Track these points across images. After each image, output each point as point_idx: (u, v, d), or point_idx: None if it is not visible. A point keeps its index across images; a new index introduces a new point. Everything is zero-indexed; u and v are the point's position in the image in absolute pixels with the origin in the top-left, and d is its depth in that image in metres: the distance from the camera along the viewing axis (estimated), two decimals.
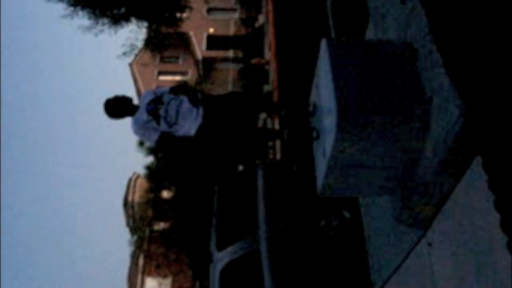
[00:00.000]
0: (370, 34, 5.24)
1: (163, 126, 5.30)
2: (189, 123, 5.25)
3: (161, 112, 5.27)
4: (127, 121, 5.42)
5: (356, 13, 5.90)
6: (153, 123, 5.28)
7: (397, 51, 3.95)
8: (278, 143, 15.63)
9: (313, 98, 4.45)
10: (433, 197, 3.64)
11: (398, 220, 4.15)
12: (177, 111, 5.25)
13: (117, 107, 5.39)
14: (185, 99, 5.33)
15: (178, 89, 5.54)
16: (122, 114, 5.43)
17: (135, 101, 5.50)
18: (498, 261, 2.90)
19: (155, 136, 5.35)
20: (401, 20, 4.19)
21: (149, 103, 5.30)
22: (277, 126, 14.65)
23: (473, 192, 3.19)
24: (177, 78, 36.08)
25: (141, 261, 30.93)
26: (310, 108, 4.23)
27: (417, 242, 4.12)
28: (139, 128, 5.35)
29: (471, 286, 3.26)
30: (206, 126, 5.24)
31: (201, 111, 5.24)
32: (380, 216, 5.14)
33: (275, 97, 16.93)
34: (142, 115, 5.31)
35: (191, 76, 37.87)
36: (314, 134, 4.26)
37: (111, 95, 5.50)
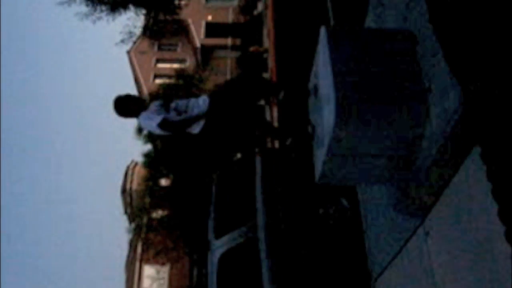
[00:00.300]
0: (369, 22, 5.22)
1: (172, 114, 5.36)
2: (197, 110, 5.36)
3: (172, 104, 5.38)
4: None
5: (355, 0, 5.87)
6: (162, 110, 5.36)
7: (397, 39, 3.94)
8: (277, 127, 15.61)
9: (311, 84, 4.44)
10: (431, 186, 3.65)
11: (396, 208, 4.16)
12: (187, 103, 5.36)
13: (127, 105, 5.41)
14: (204, 97, 5.48)
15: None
16: (132, 112, 5.45)
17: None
18: (496, 250, 2.91)
19: (158, 119, 5.36)
20: (400, 8, 4.17)
21: (159, 105, 5.45)
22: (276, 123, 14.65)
23: (471, 182, 3.20)
24: (175, 66, 35.97)
25: (139, 249, 30.99)
26: (311, 89, 4.22)
27: (415, 231, 4.14)
28: (148, 119, 5.36)
29: (468, 274, 3.28)
30: (212, 115, 5.32)
31: (207, 105, 5.34)
32: (378, 204, 5.15)
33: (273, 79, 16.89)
34: (152, 107, 5.40)
35: (189, 63, 37.75)
36: (310, 129, 4.26)
37: (120, 92, 5.51)
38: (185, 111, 5.37)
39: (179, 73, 28.12)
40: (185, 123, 5.47)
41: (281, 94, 5.25)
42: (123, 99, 5.42)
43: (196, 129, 5.42)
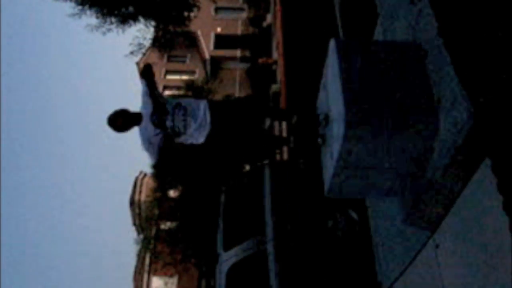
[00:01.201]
0: (378, 34, 5.22)
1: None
2: (197, 132, 5.20)
3: (168, 123, 5.18)
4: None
5: (364, 13, 5.88)
6: (162, 135, 5.22)
7: (406, 52, 3.93)
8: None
9: (321, 99, 4.44)
10: (441, 199, 3.63)
11: (405, 221, 4.13)
12: (184, 121, 5.19)
13: (120, 121, 5.31)
14: (201, 104, 5.28)
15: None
16: (127, 126, 5.36)
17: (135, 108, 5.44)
18: (507, 264, 2.88)
19: (157, 148, 5.31)
20: (409, 21, 4.17)
21: (152, 114, 5.21)
22: (284, 133, 14.63)
23: (481, 194, 3.18)
24: (184, 77, 36.08)
25: (147, 260, 30.96)
26: (321, 117, 4.21)
27: (425, 244, 4.11)
28: (146, 142, 5.27)
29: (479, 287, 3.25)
30: (214, 133, 5.19)
31: (208, 118, 5.19)
32: (387, 217, 5.12)
33: (282, 101, 16.90)
34: (147, 126, 5.23)
35: (198, 75, 37.88)
36: (320, 141, 4.25)
37: (113, 109, 5.42)
38: (184, 133, 5.25)
39: (188, 85, 28.19)
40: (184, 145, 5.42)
41: (294, 119, 5.14)
42: (112, 116, 5.33)
43: (199, 139, 5.32)
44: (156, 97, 5.22)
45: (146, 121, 5.23)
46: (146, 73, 5.25)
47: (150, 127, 5.20)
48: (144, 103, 5.31)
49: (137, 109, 5.35)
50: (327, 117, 4.11)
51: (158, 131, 5.18)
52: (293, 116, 5.16)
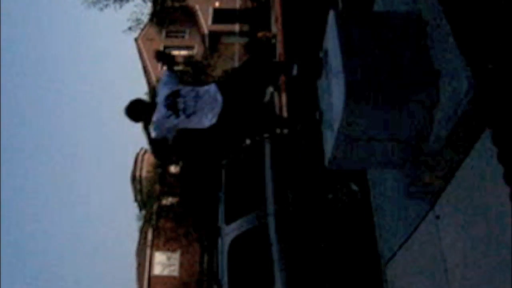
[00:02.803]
0: (378, 4, 5.18)
1: (182, 118, 5.27)
2: (208, 114, 5.23)
3: (180, 105, 5.24)
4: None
5: None
6: (173, 118, 5.25)
7: (406, 23, 3.90)
8: (285, 113, 15.58)
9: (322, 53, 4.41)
10: (441, 170, 3.63)
11: (406, 192, 4.14)
12: (195, 103, 5.23)
13: (137, 110, 5.37)
14: (211, 87, 5.29)
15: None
16: (143, 115, 5.41)
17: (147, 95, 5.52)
18: (507, 234, 2.89)
19: (169, 136, 5.35)
20: None
21: (166, 98, 5.26)
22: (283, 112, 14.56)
23: (482, 165, 3.18)
24: (183, 52, 35.92)
25: (149, 236, 31.15)
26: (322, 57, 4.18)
27: (425, 215, 4.12)
28: (158, 127, 5.31)
29: (480, 258, 3.27)
30: (225, 112, 5.21)
31: (220, 97, 5.21)
32: (388, 188, 5.13)
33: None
34: (161, 110, 5.28)
35: (197, 50, 37.68)
36: (318, 115, 4.24)
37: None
38: (194, 112, 5.28)
39: (188, 60, 28.06)
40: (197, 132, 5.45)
41: (294, 70, 5.09)
42: (130, 106, 5.39)
43: (206, 122, 5.33)
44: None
45: (159, 106, 5.30)
46: (163, 56, 5.39)
47: (163, 110, 5.25)
48: (161, 88, 5.39)
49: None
50: (326, 55, 4.07)
51: (170, 113, 5.23)
52: (292, 67, 5.16)
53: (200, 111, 5.26)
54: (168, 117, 5.28)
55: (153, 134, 5.48)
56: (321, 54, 4.24)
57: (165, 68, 5.41)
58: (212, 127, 5.32)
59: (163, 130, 5.36)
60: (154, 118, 5.36)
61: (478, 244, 3.26)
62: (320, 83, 4.50)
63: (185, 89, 5.37)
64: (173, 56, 5.42)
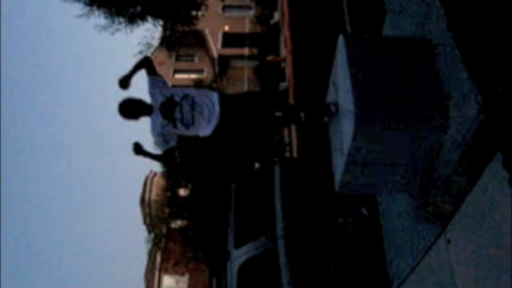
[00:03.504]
0: (387, 29, 5.21)
1: (181, 128, 5.23)
2: (205, 123, 5.18)
3: (176, 115, 5.18)
4: (144, 120, 5.36)
5: (372, 9, 5.86)
6: (170, 126, 5.22)
7: (415, 47, 3.92)
8: (294, 139, 15.59)
9: (330, 94, 4.43)
10: (452, 194, 3.61)
11: (416, 217, 4.12)
12: (192, 112, 5.18)
13: (130, 108, 5.32)
14: (213, 95, 5.23)
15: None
16: (135, 115, 5.36)
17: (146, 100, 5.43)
18: None
19: (172, 143, 5.31)
20: (418, 16, 4.16)
21: (161, 106, 5.22)
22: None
23: (493, 189, 3.16)
24: (193, 76, 36.12)
25: (158, 259, 31.05)
26: (332, 109, 4.20)
27: (436, 239, 4.09)
28: (158, 135, 5.29)
29: (491, 283, 3.24)
30: (222, 125, 5.16)
31: (217, 109, 5.16)
32: (398, 213, 5.11)
33: (291, 98, 16.89)
34: (157, 118, 5.24)
35: (207, 74, 37.89)
36: (333, 109, 4.19)
37: (124, 96, 5.45)
38: (193, 123, 5.25)
39: (197, 83, 28.20)
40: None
41: (302, 116, 5.04)
42: (124, 102, 5.36)
43: (207, 131, 5.27)
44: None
45: (155, 112, 5.25)
46: (143, 63, 5.35)
47: (159, 119, 5.22)
48: (152, 96, 5.33)
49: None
50: (337, 105, 4.08)
51: (166, 122, 5.19)
52: (300, 111, 5.10)
53: (198, 122, 5.21)
54: (165, 126, 5.25)
55: (157, 146, 5.45)
56: (331, 108, 4.25)
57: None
58: (211, 141, 5.30)
59: (163, 139, 5.33)
60: (151, 121, 5.31)
61: (489, 269, 3.23)
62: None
63: (178, 95, 5.29)
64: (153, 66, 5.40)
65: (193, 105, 5.17)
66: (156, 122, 5.25)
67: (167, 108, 5.18)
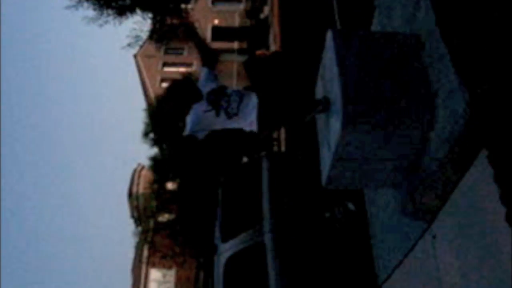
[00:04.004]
0: (375, 26, 5.22)
1: (222, 118, 5.14)
2: (249, 116, 5.08)
3: (223, 102, 5.10)
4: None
5: (361, 4, 5.87)
6: (213, 114, 5.12)
7: (403, 43, 3.93)
8: (283, 134, 15.60)
9: (319, 89, 4.44)
10: (438, 190, 3.64)
11: (402, 212, 4.15)
12: (239, 103, 5.09)
13: (183, 89, 5.23)
14: (253, 97, 5.16)
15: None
16: (186, 97, 5.29)
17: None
18: (503, 254, 2.90)
19: (203, 133, 5.21)
20: (407, 12, 4.17)
21: (210, 93, 5.14)
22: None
23: (478, 185, 3.19)
24: (182, 69, 35.99)
25: (145, 252, 30.97)
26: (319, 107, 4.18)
27: (422, 235, 4.12)
28: (196, 118, 5.16)
29: (476, 278, 3.27)
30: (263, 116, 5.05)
31: (255, 100, 5.05)
32: (385, 208, 5.14)
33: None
34: (202, 104, 5.14)
35: (195, 67, 37.78)
36: (320, 108, 4.18)
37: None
38: (236, 114, 5.15)
39: (186, 77, 28.12)
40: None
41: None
42: (182, 83, 5.28)
43: (247, 127, 5.19)
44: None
45: (203, 99, 5.18)
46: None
47: (204, 104, 5.13)
48: (204, 83, 5.25)
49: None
50: (326, 100, 4.06)
51: (210, 108, 5.10)
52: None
53: (243, 112, 5.11)
54: (207, 111, 5.14)
55: (187, 128, 5.34)
56: (319, 102, 4.23)
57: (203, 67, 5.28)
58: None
59: (196, 125, 5.21)
60: (194, 111, 5.20)
61: (475, 264, 3.26)
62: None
63: (230, 89, 5.23)
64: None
65: (241, 97, 5.09)
66: (198, 107, 5.15)
67: (215, 96, 5.10)
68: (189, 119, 5.16)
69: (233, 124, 5.11)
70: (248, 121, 5.01)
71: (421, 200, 3.82)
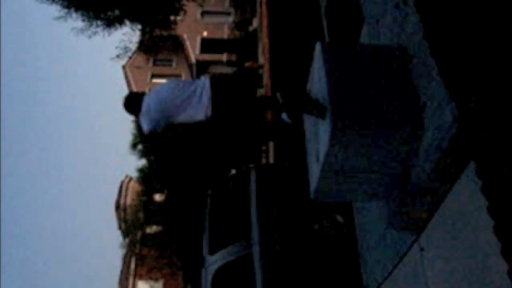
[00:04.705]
0: (364, 38, 5.24)
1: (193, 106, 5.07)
2: (197, 105, 5.00)
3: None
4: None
5: (350, 17, 5.90)
6: (180, 101, 5.04)
7: (392, 56, 3.95)
8: (271, 146, 15.60)
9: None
10: (426, 202, 3.64)
11: (391, 224, 4.14)
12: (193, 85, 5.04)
13: (135, 102, 5.17)
14: (206, 82, 5.07)
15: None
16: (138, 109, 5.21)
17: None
18: (491, 267, 2.89)
19: (162, 124, 5.14)
20: (395, 25, 4.19)
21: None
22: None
23: (466, 198, 3.19)
24: None
25: (132, 264, 30.83)
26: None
27: (410, 247, 4.12)
28: (158, 104, 5.10)
29: None
30: (213, 110, 4.98)
31: (209, 93, 4.98)
32: (373, 220, 5.13)
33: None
34: (168, 89, 5.08)
35: (184, 79, 37.83)
36: (307, 146, 4.22)
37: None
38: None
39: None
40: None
41: (279, 99, 4.87)
42: (133, 96, 5.23)
43: (201, 114, 5.09)
44: None
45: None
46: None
47: (173, 87, 5.07)
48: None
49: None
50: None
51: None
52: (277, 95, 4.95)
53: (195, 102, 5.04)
54: (177, 99, 5.06)
55: (144, 127, 5.28)
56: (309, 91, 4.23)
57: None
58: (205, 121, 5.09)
59: (157, 116, 5.13)
60: (156, 98, 5.13)
61: (463, 277, 3.25)
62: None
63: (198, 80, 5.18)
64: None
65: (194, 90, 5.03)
66: (162, 93, 5.09)
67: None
68: (145, 117, 5.09)
69: (187, 115, 5.03)
70: (204, 107, 4.94)
71: (409, 212, 3.82)
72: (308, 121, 4.38)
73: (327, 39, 7.68)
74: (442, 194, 3.48)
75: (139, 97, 5.17)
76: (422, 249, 3.89)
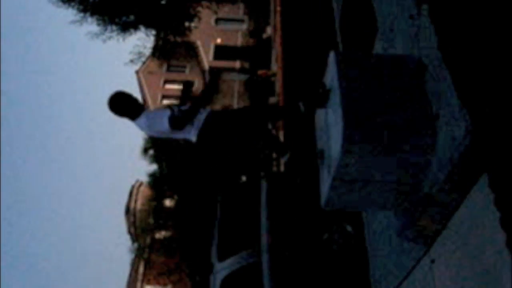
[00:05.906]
0: (378, 48, 5.23)
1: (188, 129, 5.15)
2: (192, 128, 5.07)
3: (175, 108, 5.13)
4: (132, 127, 5.28)
5: (364, 26, 5.90)
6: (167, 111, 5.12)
7: (405, 66, 3.93)
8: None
9: (319, 112, 4.44)
10: (437, 214, 3.61)
11: (401, 235, 4.12)
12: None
13: (123, 104, 5.17)
14: (203, 115, 5.17)
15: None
16: (126, 112, 5.22)
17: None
18: (503, 280, 2.86)
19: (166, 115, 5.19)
20: (409, 35, 4.18)
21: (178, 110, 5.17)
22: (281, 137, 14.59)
23: (478, 210, 3.17)
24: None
25: (141, 269, 30.87)
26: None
27: (420, 259, 4.09)
28: (154, 117, 5.15)
29: None
30: (203, 135, 5.05)
31: (201, 123, 5.06)
32: (383, 231, 5.10)
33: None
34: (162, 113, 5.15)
35: (197, 85, 37.92)
36: (319, 155, 4.24)
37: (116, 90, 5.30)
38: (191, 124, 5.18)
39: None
40: (191, 112, 5.19)
41: (301, 107, 4.88)
42: (121, 96, 5.21)
43: (193, 134, 5.16)
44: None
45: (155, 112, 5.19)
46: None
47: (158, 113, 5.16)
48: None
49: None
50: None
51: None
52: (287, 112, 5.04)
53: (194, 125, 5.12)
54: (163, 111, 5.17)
55: (144, 130, 5.34)
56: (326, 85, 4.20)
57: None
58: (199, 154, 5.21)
59: (153, 130, 5.23)
60: (148, 115, 5.19)
61: None
62: (318, 123, 4.51)
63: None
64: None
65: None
66: (152, 112, 5.19)
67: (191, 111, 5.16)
68: (149, 122, 5.16)
69: (183, 133, 5.12)
70: (189, 132, 5.05)
71: (420, 223, 3.79)
72: (321, 130, 4.37)
73: (340, 48, 7.68)
74: (454, 206, 3.45)
75: (128, 99, 5.18)
76: (432, 261, 3.86)
